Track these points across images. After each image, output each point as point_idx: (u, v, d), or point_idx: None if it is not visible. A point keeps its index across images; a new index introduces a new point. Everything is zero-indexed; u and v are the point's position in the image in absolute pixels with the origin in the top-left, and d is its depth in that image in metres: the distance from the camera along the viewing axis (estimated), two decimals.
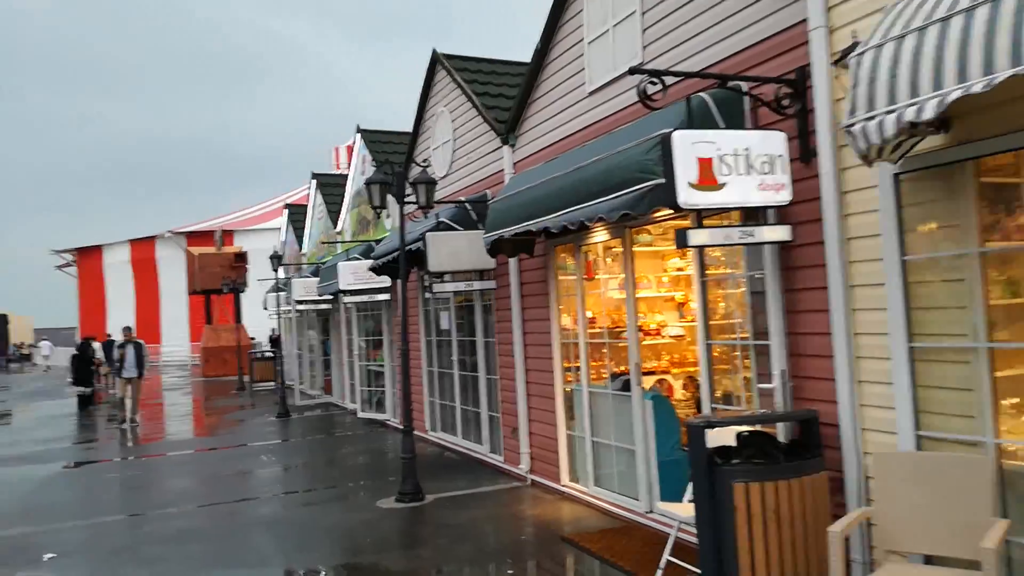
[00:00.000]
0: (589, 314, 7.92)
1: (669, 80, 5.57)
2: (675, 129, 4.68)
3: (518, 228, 7.14)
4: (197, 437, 15.28)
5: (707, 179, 4.67)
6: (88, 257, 47.28)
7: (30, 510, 9.08)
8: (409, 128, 12.72)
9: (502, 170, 9.27)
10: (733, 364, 6.09)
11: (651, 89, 4.96)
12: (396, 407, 14.23)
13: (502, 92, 10.19)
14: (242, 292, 27.17)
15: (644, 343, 8.23)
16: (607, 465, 7.57)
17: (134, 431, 15.83)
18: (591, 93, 7.41)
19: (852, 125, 3.68)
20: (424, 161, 9.19)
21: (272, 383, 24.63)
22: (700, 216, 4.80)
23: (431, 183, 8.56)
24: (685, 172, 4.62)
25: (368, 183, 8.60)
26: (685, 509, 5.32)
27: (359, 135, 15.47)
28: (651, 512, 6.89)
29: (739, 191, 4.76)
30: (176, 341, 42.82)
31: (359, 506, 8.50)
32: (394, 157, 14.39)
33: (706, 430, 4.72)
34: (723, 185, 4.71)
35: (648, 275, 8.56)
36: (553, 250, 8.37)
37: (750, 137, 4.82)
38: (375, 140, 15.11)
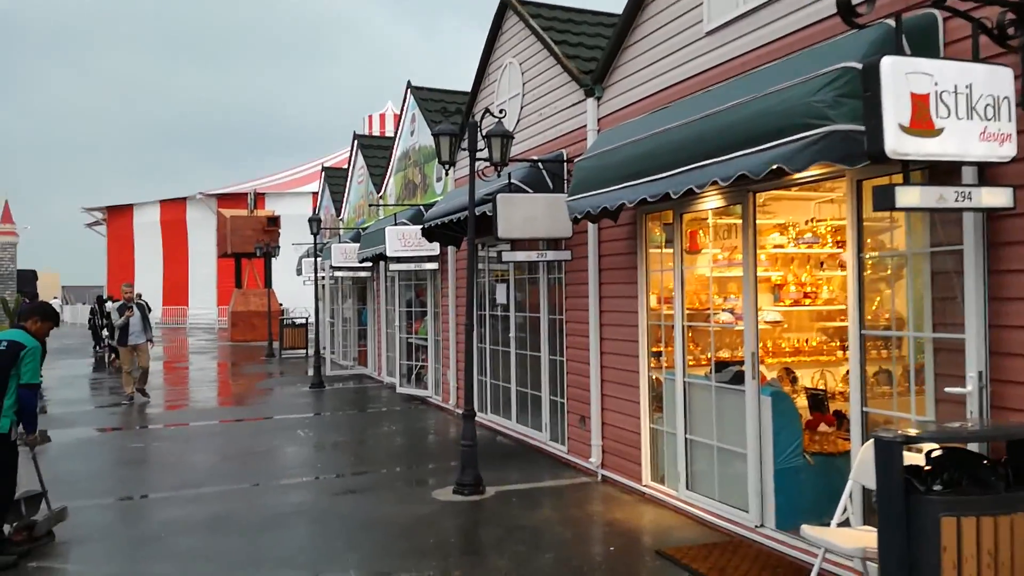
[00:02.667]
0: (686, 293, 6.87)
1: None
2: (882, 55, 3.60)
3: (620, 191, 6.09)
4: (224, 406, 14.48)
5: (922, 121, 3.59)
6: (118, 216, 46.84)
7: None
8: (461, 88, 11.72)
9: (583, 126, 8.20)
10: (895, 362, 5.04)
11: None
12: (439, 383, 13.31)
13: (581, 41, 9.09)
14: (274, 257, 26.36)
15: (736, 328, 7.23)
16: (705, 468, 6.55)
17: (142, 405, 14.65)
18: (710, 33, 6.30)
19: None
20: (500, 111, 8.14)
21: (302, 351, 23.88)
22: (907, 170, 3.73)
23: (507, 136, 7.51)
24: (896, 111, 3.55)
25: (437, 134, 7.58)
26: (844, 537, 4.29)
27: (409, 91, 14.43)
28: (762, 526, 5.88)
29: (958, 140, 3.68)
30: (204, 304, 42.33)
31: (412, 496, 7.57)
32: (447, 117, 13.37)
33: (903, 448, 3.67)
34: (940, 131, 3.63)
35: (723, 253, 7.50)
36: (644, 217, 7.31)
37: (975, 71, 3.73)
38: (426, 98, 14.07)
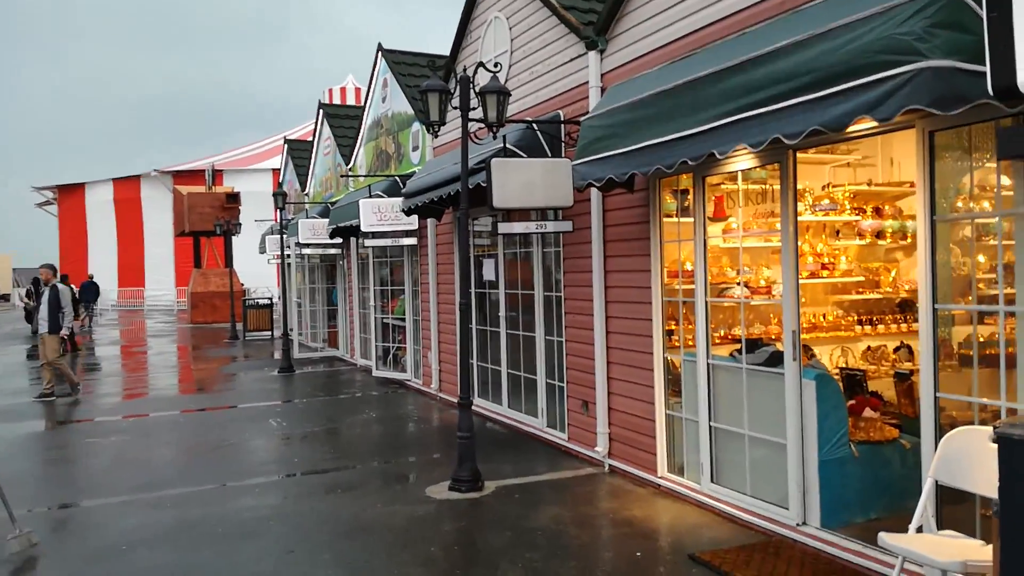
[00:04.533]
0: (706, 266, 6.19)
1: None
2: None
3: (643, 153, 5.35)
4: (186, 394, 13.54)
5: None
6: (70, 195, 44.86)
7: None
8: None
9: (584, 83, 7.44)
10: (976, 342, 4.40)
11: None
12: (419, 366, 12.54)
13: None
14: (235, 235, 25.22)
15: (753, 303, 6.61)
16: (734, 459, 5.91)
17: (94, 395, 13.73)
18: None
19: None
20: (495, 66, 7.34)
21: (268, 333, 22.91)
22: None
23: (503, 93, 6.72)
24: None
25: (425, 90, 6.75)
26: (933, 547, 3.66)
27: (380, 55, 13.49)
28: (804, 525, 5.26)
29: None
30: (161, 285, 40.83)
31: (404, 495, 6.83)
32: (421, 81, 12.49)
33: None
34: None
35: (755, 221, 6.85)
36: (658, 183, 6.60)
37: None
38: (399, 61, 13.16)
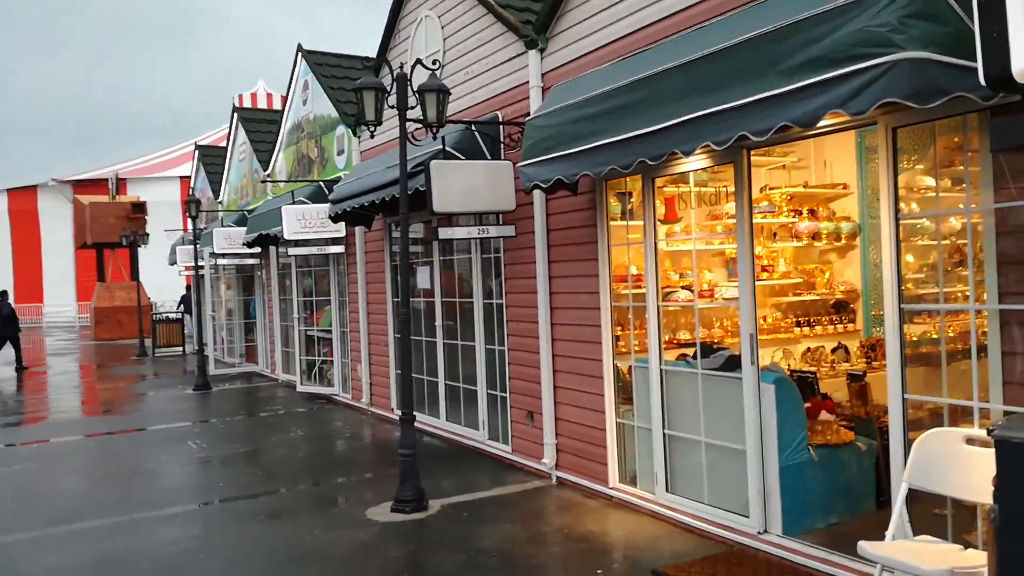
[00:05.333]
0: (647, 268, 6.04)
1: None
2: None
3: (594, 154, 5.15)
4: (94, 416, 12.64)
5: None
6: None
7: None
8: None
9: (524, 83, 7.22)
10: (942, 340, 4.35)
11: None
12: (347, 380, 12.06)
13: None
14: (143, 245, 23.97)
15: (709, 306, 6.55)
16: (691, 467, 5.75)
17: None
18: None
19: None
20: (434, 63, 7.03)
21: (178, 348, 21.83)
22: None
23: (444, 91, 6.42)
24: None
25: (360, 88, 6.38)
26: (916, 555, 3.54)
27: (300, 56, 12.97)
28: (766, 532, 5.13)
29: None
30: (61, 300, 38.56)
31: (343, 518, 6.42)
32: (346, 83, 12.07)
33: None
34: None
35: (691, 222, 6.78)
36: (604, 185, 6.42)
37: None
38: (320, 63, 12.67)
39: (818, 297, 7.97)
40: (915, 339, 5.85)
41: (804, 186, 7.93)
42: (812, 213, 7.95)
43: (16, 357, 18.94)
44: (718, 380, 5.46)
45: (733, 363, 5.34)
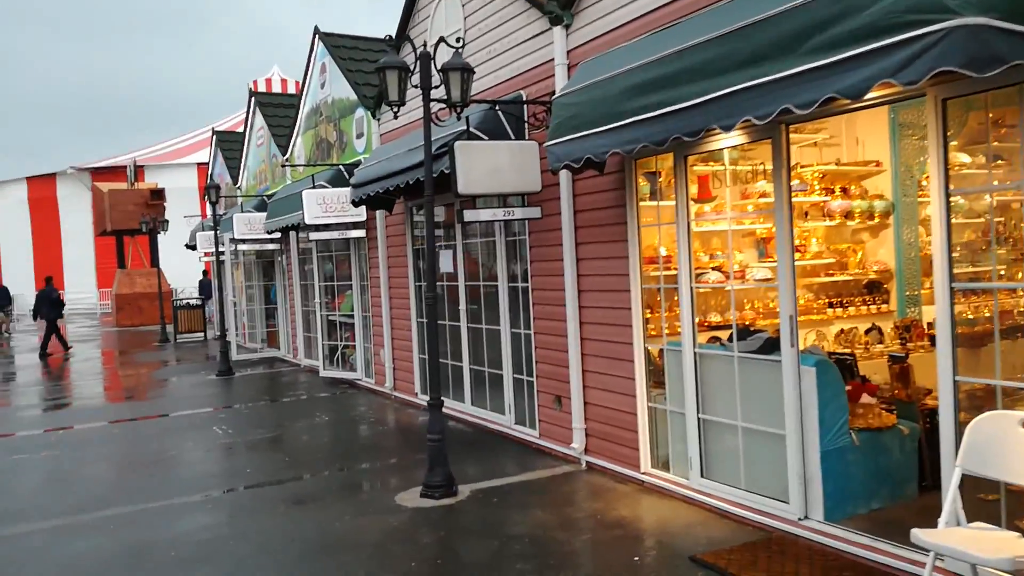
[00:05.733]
0: (680, 250, 5.89)
1: None
2: None
3: (626, 131, 5.00)
4: (118, 403, 12.68)
5: None
6: None
7: None
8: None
9: (549, 61, 7.06)
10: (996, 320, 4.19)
11: None
12: (370, 365, 12.01)
13: None
14: (163, 232, 24.02)
15: (727, 288, 6.41)
16: (727, 452, 5.63)
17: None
18: None
19: None
20: (457, 40, 6.88)
21: (200, 334, 21.93)
22: None
23: (468, 70, 6.28)
24: None
25: (383, 67, 6.25)
26: (974, 543, 3.41)
27: (317, 38, 12.85)
28: (807, 519, 5.01)
29: None
30: (82, 287, 38.83)
31: (373, 504, 6.36)
32: (364, 66, 11.94)
33: None
34: None
35: (726, 201, 6.63)
36: (633, 165, 6.27)
37: None
38: (338, 45, 12.54)
39: (851, 277, 7.80)
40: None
41: (836, 164, 7.74)
42: (844, 191, 7.77)
43: (44, 343, 19.12)
44: (755, 363, 5.33)
45: (771, 345, 5.21)
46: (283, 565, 5.09)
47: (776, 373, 5.11)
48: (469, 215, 6.96)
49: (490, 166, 6.83)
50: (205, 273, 22.49)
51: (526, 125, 7.41)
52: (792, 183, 7.43)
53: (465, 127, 7.05)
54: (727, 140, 5.35)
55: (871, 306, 7.83)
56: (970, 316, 4.98)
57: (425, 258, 9.83)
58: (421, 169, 7.36)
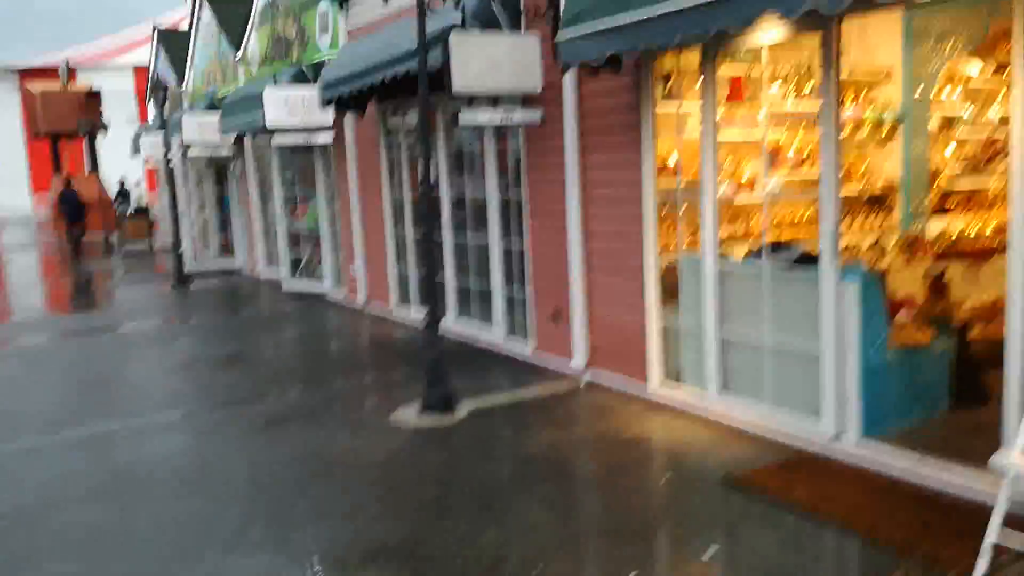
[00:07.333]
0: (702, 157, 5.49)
1: None
2: None
3: (670, 17, 4.48)
4: (67, 314, 11.94)
5: None
6: None
7: None
8: None
9: None
10: None
11: None
12: (339, 277, 11.47)
13: None
14: (101, 135, 22.56)
15: (756, 199, 6.09)
16: (749, 370, 5.37)
17: None
18: None
19: None
20: None
21: (147, 244, 20.95)
22: None
23: None
24: None
25: None
26: None
27: None
28: (839, 438, 4.81)
29: None
30: (15, 194, 36.79)
31: (368, 424, 5.99)
32: None
33: None
34: None
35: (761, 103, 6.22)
36: (651, 63, 5.77)
37: None
38: None
39: (857, 192, 7.53)
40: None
41: (848, 73, 7.34)
42: (855, 100, 7.43)
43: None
44: (788, 278, 5.02)
45: (807, 259, 4.89)
46: (284, 491, 4.71)
47: (812, 288, 4.82)
48: (466, 118, 6.38)
49: (488, 62, 6.24)
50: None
51: (522, 17, 6.80)
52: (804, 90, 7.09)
53: (461, 16, 6.41)
54: (769, 34, 4.89)
55: (873, 220, 7.63)
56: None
57: (402, 166, 9.26)
58: (405, 63, 6.74)
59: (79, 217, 20.02)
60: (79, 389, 7.38)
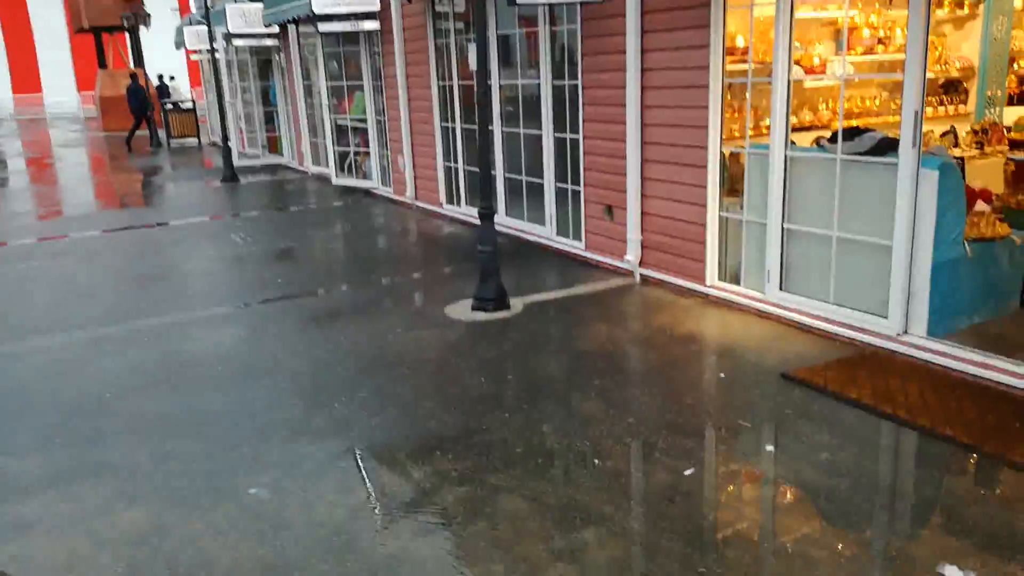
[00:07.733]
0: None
1: None
2: None
3: None
4: (120, 209, 12.09)
5: None
6: None
7: None
8: None
9: None
10: None
11: None
12: (387, 172, 11.37)
13: None
14: (145, 28, 22.33)
15: (829, 83, 5.77)
16: (812, 264, 5.20)
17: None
18: None
19: None
20: None
21: (193, 139, 20.98)
22: None
23: None
24: None
25: None
26: None
27: None
28: (906, 334, 4.67)
29: None
30: (62, 91, 37.00)
31: (422, 317, 6.00)
32: None
33: None
34: None
35: None
36: None
37: None
38: None
39: (932, 76, 7.08)
40: None
41: None
42: None
43: (130, 132, 20.33)
44: (862, 166, 4.77)
45: (886, 147, 4.63)
46: (344, 383, 4.75)
47: (889, 177, 4.58)
48: None
49: None
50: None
51: None
52: None
53: None
54: None
55: (948, 107, 7.22)
56: None
57: (452, 54, 8.95)
58: None
59: (145, 111, 20.15)
60: (136, 283, 7.51)
